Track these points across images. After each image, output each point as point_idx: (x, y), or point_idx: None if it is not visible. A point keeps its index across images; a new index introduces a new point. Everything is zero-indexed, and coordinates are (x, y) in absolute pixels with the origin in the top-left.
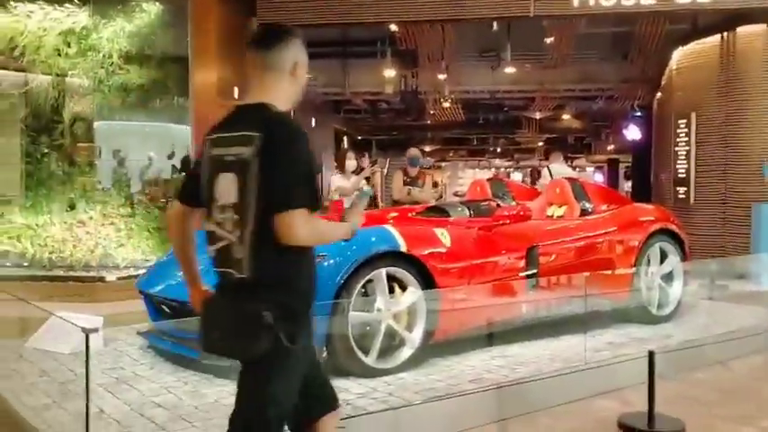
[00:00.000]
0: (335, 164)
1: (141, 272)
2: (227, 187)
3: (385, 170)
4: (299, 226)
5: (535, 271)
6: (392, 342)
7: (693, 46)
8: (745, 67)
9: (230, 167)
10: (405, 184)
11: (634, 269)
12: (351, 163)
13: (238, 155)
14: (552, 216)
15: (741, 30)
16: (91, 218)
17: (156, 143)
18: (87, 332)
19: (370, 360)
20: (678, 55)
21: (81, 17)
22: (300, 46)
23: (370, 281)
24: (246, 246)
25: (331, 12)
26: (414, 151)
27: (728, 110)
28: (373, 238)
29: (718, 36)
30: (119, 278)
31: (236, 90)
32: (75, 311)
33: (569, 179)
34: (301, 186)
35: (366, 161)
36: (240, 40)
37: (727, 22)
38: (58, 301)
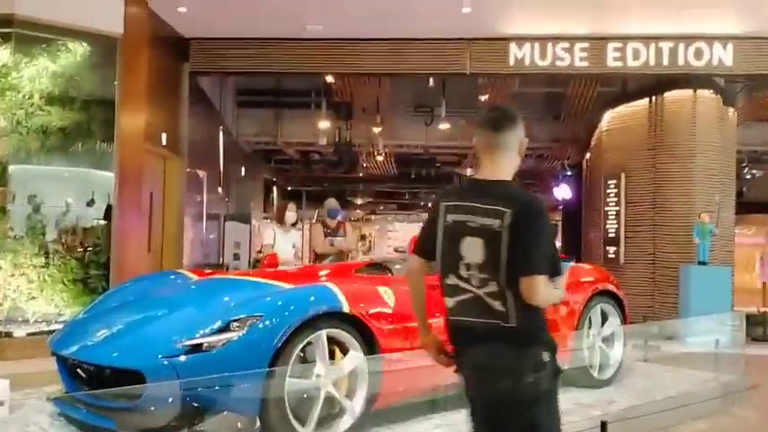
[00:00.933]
0: (268, 215)
1: (54, 327)
2: (473, 249)
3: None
4: (540, 289)
5: None
6: (331, 410)
7: (623, 108)
8: (673, 131)
9: (477, 233)
10: (326, 235)
11: (577, 332)
12: (291, 215)
13: (487, 225)
14: None
15: (669, 94)
16: (0, 268)
17: (76, 189)
18: None
19: (307, 431)
20: (608, 117)
21: (1, 55)
22: (522, 127)
23: (309, 344)
24: (507, 301)
25: (265, 61)
26: (332, 202)
27: (657, 171)
28: (312, 297)
29: (647, 99)
30: (28, 334)
31: (164, 136)
32: None
33: None
34: (544, 256)
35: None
36: (171, 87)
37: (656, 86)
38: None
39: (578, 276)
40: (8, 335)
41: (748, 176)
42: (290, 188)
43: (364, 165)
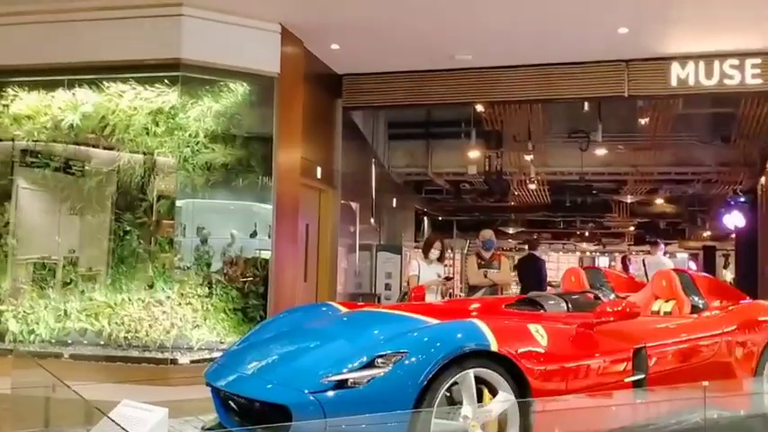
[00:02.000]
0: (420, 248)
1: (216, 354)
2: None
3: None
4: None
5: (643, 376)
6: None
7: None
8: None
9: None
10: (479, 267)
11: (755, 376)
12: (435, 252)
13: None
14: (659, 312)
15: None
16: (168, 297)
17: (239, 222)
18: None
19: None
20: None
21: (170, 97)
22: None
23: (455, 383)
24: None
25: (415, 93)
26: (487, 233)
27: None
28: (459, 334)
29: None
30: (192, 361)
31: (318, 170)
32: (144, 396)
33: (677, 270)
34: None
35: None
36: (325, 122)
37: None
38: (132, 383)
39: (756, 314)
40: (173, 361)
41: None
42: (440, 218)
43: (516, 193)
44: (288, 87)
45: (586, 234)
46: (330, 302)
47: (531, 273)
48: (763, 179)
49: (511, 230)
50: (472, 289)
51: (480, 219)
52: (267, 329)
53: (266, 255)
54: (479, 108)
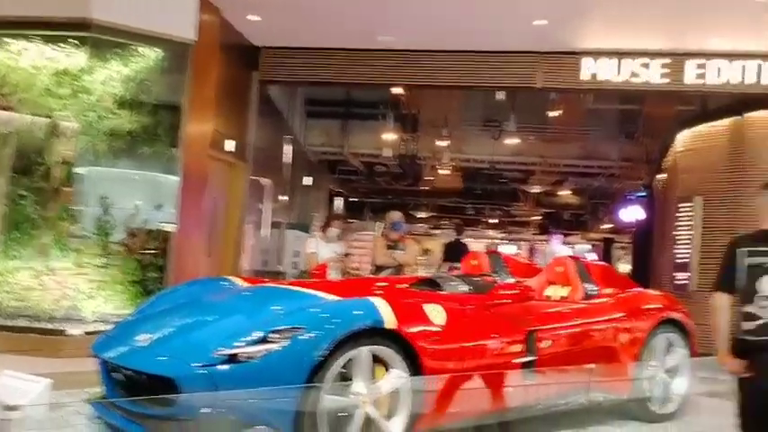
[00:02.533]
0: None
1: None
2: None
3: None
4: None
5: (533, 358)
6: (369, 431)
7: (701, 128)
8: (755, 153)
9: None
10: (387, 248)
11: (639, 361)
12: (334, 230)
13: None
14: (552, 297)
15: (752, 115)
16: (63, 266)
17: (145, 192)
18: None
19: None
20: (684, 137)
21: (77, 58)
22: None
23: (350, 360)
24: None
25: (335, 72)
26: (396, 215)
27: (735, 195)
28: (357, 312)
29: (727, 120)
30: (86, 333)
31: (230, 143)
32: (31, 368)
33: (572, 257)
34: None
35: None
36: (239, 94)
37: (738, 106)
38: (18, 354)
39: (643, 303)
40: (62, 332)
41: None
42: (353, 199)
43: (429, 178)
44: (202, 56)
45: (494, 221)
46: (231, 277)
47: (457, 256)
48: (660, 176)
49: (422, 215)
50: (378, 269)
51: (393, 201)
52: (163, 301)
53: (171, 228)
54: (397, 91)
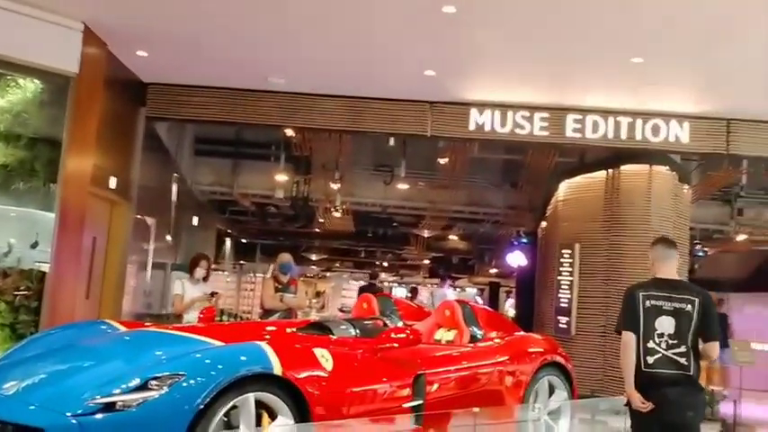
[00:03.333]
0: (218, 266)
1: None
2: (666, 324)
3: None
4: (716, 349)
5: (421, 402)
6: None
7: (580, 179)
8: (629, 204)
9: (668, 313)
10: (276, 290)
11: (523, 404)
12: (200, 271)
13: (679, 307)
14: (441, 340)
15: (626, 168)
16: None
17: (19, 229)
18: None
19: None
20: (565, 187)
21: None
22: None
23: (234, 407)
24: (689, 358)
25: (225, 111)
26: (285, 257)
27: (611, 243)
28: (243, 357)
29: (603, 172)
30: None
31: (112, 180)
32: None
33: (459, 301)
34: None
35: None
36: (124, 130)
37: (613, 159)
38: None
39: (526, 346)
40: None
41: (700, 254)
42: (244, 240)
43: (321, 220)
44: (85, 90)
45: (386, 264)
46: (110, 320)
47: None
48: (543, 223)
49: (314, 257)
50: (267, 313)
51: (285, 243)
52: (35, 346)
53: (46, 267)
54: (289, 133)
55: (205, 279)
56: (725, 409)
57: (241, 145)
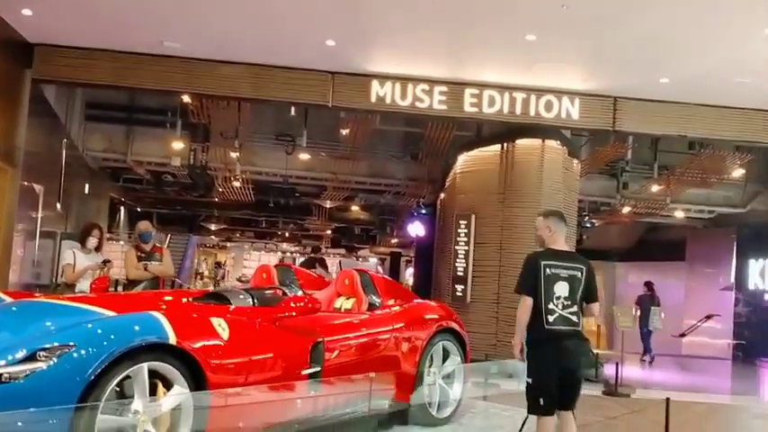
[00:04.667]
0: (112, 235)
1: None
2: (562, 289)
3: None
4: (597, 308)
5: (319, 369)
6: None
7: (477, 152)
8: (522, 177)
9: (564, 279)
10: (139, 260)
11: (418, 369)
12: (93, 240)
13: (573, 275)
14: (340, 309)
15: (520, 142)
16: None
17: None
18: None
19: None
20: (463, 159)
21: None
22: None
23: (127, 377)
24: (579, 316)
25: (118, 75)
26: (144, 225)
27: (504, 215)
28: (137, 327)
29: (499, 146)
30: None
31: None
32: None
33: (358, 270)
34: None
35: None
36: (8, 93)
37: (508, 134)
38: None
39: (422, 313)
40: None
41: (587, 225)
42: (139, 209)
43: (220, 190)
44: None
45: (288, 235)
46: None
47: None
48: (442, 195)
49: (213, 227)
50: (131, 283)
51: (183, 213)
52: None
53: None
54: (187, 99)
55: (98, 249)
56: (608, 370)
57: (135, 111)
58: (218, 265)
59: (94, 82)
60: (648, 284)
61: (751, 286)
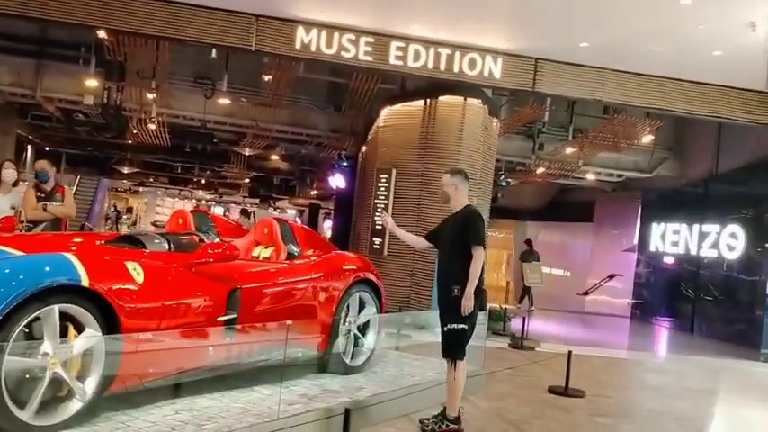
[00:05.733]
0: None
1: None
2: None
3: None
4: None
5: (235, 315)
6: (58, 393)
7: (400, 107)
8: (443, 133)
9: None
10: (39, 200)
11: (334, 318)
12: (10, 173)
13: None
14: (258, 257)
15: (442, 99)
16: None
17: None
18: None
19: (26, 415)
20: (385, 113)
21: None
22: None
23: (37, 319)
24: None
25: (27, 4)
26: (41, 164)
27: (425, 170)
28: (47, 268)
29: (422, 101)
30: None
31: None
32: None
33: (278, 219)
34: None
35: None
36: None
37: (432, 89)
38: None
39: (340, 264)
40: None
41: (503, 184)
42: (48, 148)
43: (134, 132)
44: None
45: (204, 182)
46: None
47: None
48: (364, 148)
49: (126, 170)
50: (32, 224)
51: (95, 154)
52: None
53: None
54: (102, 35)
55: (15, 184)
56: (515, 324)
57: (46, 44)
58: (129, 210)
59: (2, 11)
60: (528, 242)
61: (652, 248)
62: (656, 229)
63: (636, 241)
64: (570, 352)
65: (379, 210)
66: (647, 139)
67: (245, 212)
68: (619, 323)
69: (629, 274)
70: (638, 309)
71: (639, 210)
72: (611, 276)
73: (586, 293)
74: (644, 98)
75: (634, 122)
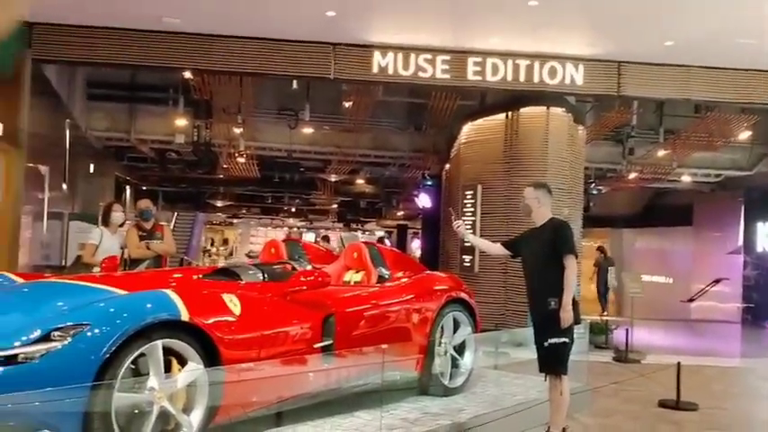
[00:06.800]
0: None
1: None
2: None
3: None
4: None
5: (331, 342)
6: (166, 427)
7: (481, 122)
8: (527, 145)
9: None
10: (141, 239)
11: (429, 339)
12: (118, 216)
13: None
14: (349, 282)
15: (524, 110)
16: None
17: None
18: None
19: None
20: (467, 129)
21: None
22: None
23: (142, 355)
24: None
25: (118, 52)
26: (144, 203)
27: (510, 184)
28: (149, 305)
29: (503, 114)
30: None
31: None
32: None
33: (366, 243)
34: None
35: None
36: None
37: (513, 102)
38: None
39: (432, 284)
40: None
41: (594, 192)
42: (145, 187)
43: (225, 166)
44: None
45: (294, 210)
46: (6, 272)
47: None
48: (447, 166)
49: (219, 203)
50: (134, 263)
51: (188, 190)
52: None
53: None
54: (188, 75)
55: (122, 225)
56: (618, 336)
57: (137, 89)
58: (225, 241)
59: (95, 60)
60: (601, 248)
61: (759, 249)
62: (763, 228)
63: (741, 243)
64: (679, 363)
65: (467, 227)
66: (745, 135)
67: (325, 238)
68: (729, 329)
69: (736, 277)
70: (750, 313)
71: (742, 209)
72: (718, 281)
73: (692, 300)
74: (736, 93)
75: (728, 119)
